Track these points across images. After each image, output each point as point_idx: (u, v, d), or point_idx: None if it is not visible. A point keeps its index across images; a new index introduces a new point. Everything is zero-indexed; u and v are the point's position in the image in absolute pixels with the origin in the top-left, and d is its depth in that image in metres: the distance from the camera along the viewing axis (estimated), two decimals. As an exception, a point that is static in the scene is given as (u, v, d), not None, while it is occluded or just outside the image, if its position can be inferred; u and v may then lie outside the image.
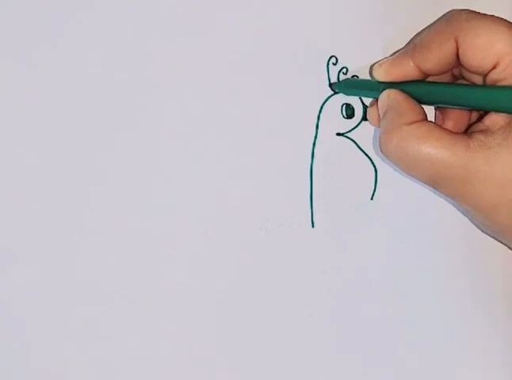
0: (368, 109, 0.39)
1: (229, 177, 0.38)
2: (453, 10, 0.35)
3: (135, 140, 0.38)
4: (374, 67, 0.36)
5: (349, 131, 0.39)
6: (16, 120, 0.37)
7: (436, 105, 0.37)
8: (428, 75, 0.35)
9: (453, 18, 0.34)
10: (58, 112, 0.37)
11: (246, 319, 0.38)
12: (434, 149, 0.32)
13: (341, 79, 0.39)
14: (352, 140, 0.40)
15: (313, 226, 0.39)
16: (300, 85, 0.39)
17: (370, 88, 0.37)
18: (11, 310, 0.37)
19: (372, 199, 0.40)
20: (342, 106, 0.39)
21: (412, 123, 0.33)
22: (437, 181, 0.33)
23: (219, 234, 0.38)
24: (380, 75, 0.36)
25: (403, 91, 0.35)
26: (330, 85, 0.39)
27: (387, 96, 0.35)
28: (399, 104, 0.34)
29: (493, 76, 0.33)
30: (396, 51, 0.38)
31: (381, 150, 0.34)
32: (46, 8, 0.37)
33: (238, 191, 0.38)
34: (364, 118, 0.39)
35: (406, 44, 0.38)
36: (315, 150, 0.39)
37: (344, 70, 0.39)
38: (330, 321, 0.39)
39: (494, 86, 0.33)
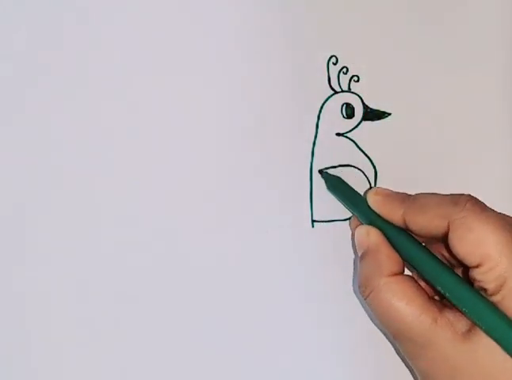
0: (351, 220, 0.39)
1: (229, 177, 0.38)
2: (464, 195, 0.33)
3: (136, 141, 0.38)
4: (369, 192, 0.37)
5: (349, 131, 0.39)
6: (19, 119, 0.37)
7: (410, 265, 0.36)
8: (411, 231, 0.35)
9: (458, 201, 0.33)
10: (61, 112, 0.37)
11: (245, 318, 0.38)
12: (403, 311, 0.33)
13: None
14: (352, 140, 0.39)
15: (313, 226, 0.39)
16: (300, 85, 0.39)
17: (355, 200, 0.38)
18: (12, 309, 0.37)
19: (372, 199, 0.40)
20: (342, 106, 0.39)
21: (391, 275, 0.34)
22: (399, 339, 0.34)
23: (220, 234, 0.38)
24: (371, 202, 0.36)
25: (384, 232, 0.35)
26: (320, 171, 0.39)
27: (366, 234, 0.36)
28: (379, 251, 0.35)
29: (473, 274, 0.32)
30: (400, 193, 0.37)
31: (359, 291, 0.35)
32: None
33: (238, 191, 0.38)
34: (364, 118, 0.40)
35: (411, 197, 0.36)
36: (315, 150, 0.39)
37: (344, 70, 0.39)
38: (331, 320, 0.39)
39: (476, 294, 0.32)
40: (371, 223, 0.36)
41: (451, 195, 0.34)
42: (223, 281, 0.38)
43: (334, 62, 0.39)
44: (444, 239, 0.33)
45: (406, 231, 0.35)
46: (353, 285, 0.39)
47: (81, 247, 0.37)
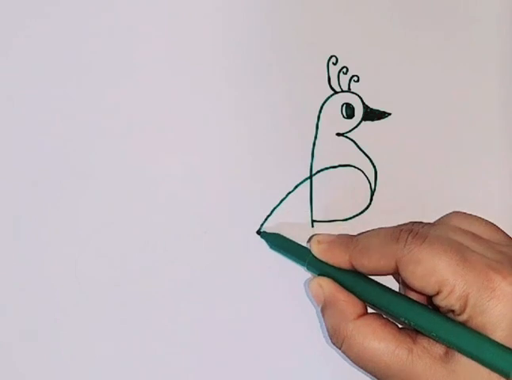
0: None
1: (229, 177, 0.38)
2: (404, 228, 0.33)
3: (136, 141, 0.38)
4: (312, 240, 0.36)
5: (349, 131, 0.39)
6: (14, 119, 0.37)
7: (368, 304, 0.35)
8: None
9: (399, 237, 0.32)
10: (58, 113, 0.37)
11: (245, 319, 0.38)
12: (378, 350, 0.32)
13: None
14: (352, 140, 0.39)
15: (313, 226, 0.39)
16: (300, 85, 0.39)
17: (300, 254, 0.37)
18: (12, 310, 0.37)
19: (371, 199, 0.40)
20: (342, 106, 0.39)
21: (357, 318, 0.34)
22: (382, 377, 0.33)
23: (220, 234, 0.38)
24: (316, 252, 0.36)
25: (335, 279, 0.35)
26: (258, 231, 0.38)
27: (319, 286, 0.35)
28: (337, 300, 0.34)
29: (436, 302, 0.32)
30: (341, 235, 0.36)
31: (332, 343, 0.35)
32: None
33: (238, 191, 0.38)
34: (364, 118, 0.40)
35: (354, 239, 0.35)
36: (314, 150, 0.39)
37: (344, 70, 0.39)
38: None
39: (437, 315, 0.32)
40: (321, 272, 0.36)
41: (392, 229, 0.33)
42: (222, 281, 0.38)
43: (334, 62, 0.39)
44: (397, 273, 0.33)
45: (357, 273, 0.35)
46: (325, 337, 0.38)
47: (81, 247, 0.37)
